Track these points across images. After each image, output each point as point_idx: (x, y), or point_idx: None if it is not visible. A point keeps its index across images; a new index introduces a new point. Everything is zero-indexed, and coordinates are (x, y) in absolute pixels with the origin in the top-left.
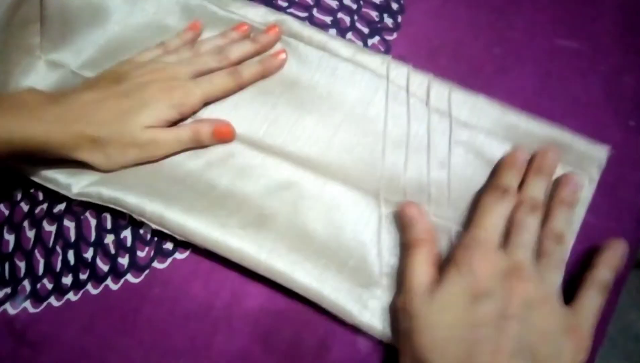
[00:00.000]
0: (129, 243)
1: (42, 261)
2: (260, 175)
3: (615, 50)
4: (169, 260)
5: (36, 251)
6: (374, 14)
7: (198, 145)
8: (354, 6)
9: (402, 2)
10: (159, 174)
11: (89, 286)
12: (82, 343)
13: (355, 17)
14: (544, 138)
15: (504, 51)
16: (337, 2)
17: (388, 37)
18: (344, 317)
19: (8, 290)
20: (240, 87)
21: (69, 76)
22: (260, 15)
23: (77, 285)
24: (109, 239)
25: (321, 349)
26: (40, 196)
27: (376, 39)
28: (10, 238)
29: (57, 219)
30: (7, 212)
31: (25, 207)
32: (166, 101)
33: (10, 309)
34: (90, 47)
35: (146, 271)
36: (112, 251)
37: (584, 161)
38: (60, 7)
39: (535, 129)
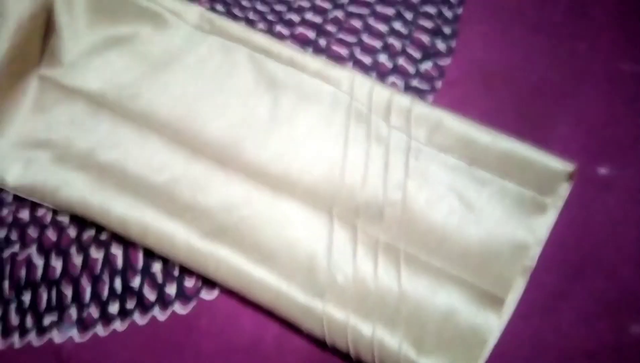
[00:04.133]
0: (176, 271)
1: (89, 289)
2: (220, 191)
3: None
4: (217, 290)
5: (83, 277)
6: (425, 38)
7: None
8: (405, 31)
9: (454, 26)
10: (122, 185)
11: (136, 316)
12: None
13: (407, 42)
14: (503, 152)
15: (564, 76)
16: (387, 27)
17: (441, 63)
18: (294, 323)
19: (54, 317)
20: None
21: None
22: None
23: (124, 314)
24: (157, 267)
25: None
26: (88, 221)
27: (429, 64)
28: (57, 264)
29: (105, 245)
30: (55, 237)
31: (72, 233)
32: None
33: (57, 337)
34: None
35: (194, 302)
36: (160, 280)
37: (548, 176)
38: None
39: (494, 144)
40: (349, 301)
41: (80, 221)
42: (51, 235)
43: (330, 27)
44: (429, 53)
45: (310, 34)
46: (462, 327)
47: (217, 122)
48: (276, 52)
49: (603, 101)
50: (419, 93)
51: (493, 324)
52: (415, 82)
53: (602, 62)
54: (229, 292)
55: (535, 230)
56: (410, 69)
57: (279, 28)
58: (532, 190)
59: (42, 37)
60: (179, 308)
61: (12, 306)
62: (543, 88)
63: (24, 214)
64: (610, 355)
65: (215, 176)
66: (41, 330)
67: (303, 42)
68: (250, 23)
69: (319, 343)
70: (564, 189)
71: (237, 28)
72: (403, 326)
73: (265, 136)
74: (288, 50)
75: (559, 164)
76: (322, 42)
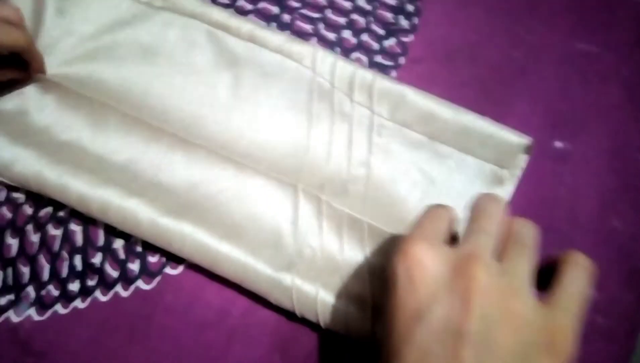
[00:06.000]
0: (139, 248)
1: (47, 267)
2: (182, 170)
3: (633, 56)
4: (182, 265)
5: (41, 256)
6: (389, 15)
7: None
8: (369, 7)
9: (417, 4)
10: (80, 162)
11: (98, 293)
12: (91, 353)
13: (371, 19)
14: (463, 127)
15: (523, 55)
16: (351, 3)
17: (404, 39)
18: (262, 295)
19: (11, 296)
20: None
21: None
22: (190, 5)
23: (85, 292)
24: (119, 244)
25: (341, 358)
26: (45, 198)
27: (392, 40)
28: (13, 242)
29: (63, 222)
30: (10, 215)
31: (29, 210)
32: None
33: (14, 317)
34: None
35: (158, 277)
36: (122, 256)
37: (506, 150)
38: None
39: (455, 119)
40: (317, 275)
41: (37, 198)
42: (5, 212)
43: (294, 3)
44: (392, 30)
45: (274, 9)
46: None
47: (175, 101)
48: (235, 28)
49: (558, 78)
50: (383, 69)
51: None
52: (379, 58)
53: (557, 41)
54: (194, 267)
55: None
56: (374, 45)
57: (241, 2)
58: (491, 163)
59: None
60: (142, 284)
61: None
62: (503, 66)
63: None
64: None
65: (176, 155)
66: None
67: (267, 17)
68: None
69: (287, 314)
70: (522, 162)
71: (193, 3)
72: (371, 298)
73: (227, 114)
74: (248, 25)
75: (516, 139)
76: (286, 17)
